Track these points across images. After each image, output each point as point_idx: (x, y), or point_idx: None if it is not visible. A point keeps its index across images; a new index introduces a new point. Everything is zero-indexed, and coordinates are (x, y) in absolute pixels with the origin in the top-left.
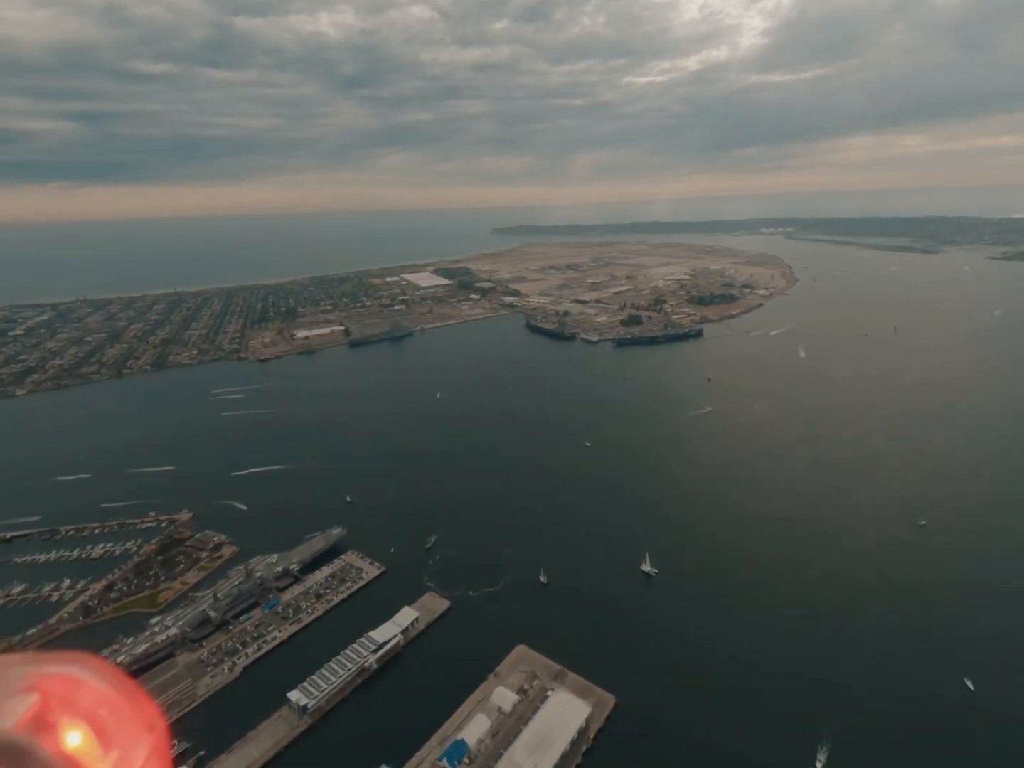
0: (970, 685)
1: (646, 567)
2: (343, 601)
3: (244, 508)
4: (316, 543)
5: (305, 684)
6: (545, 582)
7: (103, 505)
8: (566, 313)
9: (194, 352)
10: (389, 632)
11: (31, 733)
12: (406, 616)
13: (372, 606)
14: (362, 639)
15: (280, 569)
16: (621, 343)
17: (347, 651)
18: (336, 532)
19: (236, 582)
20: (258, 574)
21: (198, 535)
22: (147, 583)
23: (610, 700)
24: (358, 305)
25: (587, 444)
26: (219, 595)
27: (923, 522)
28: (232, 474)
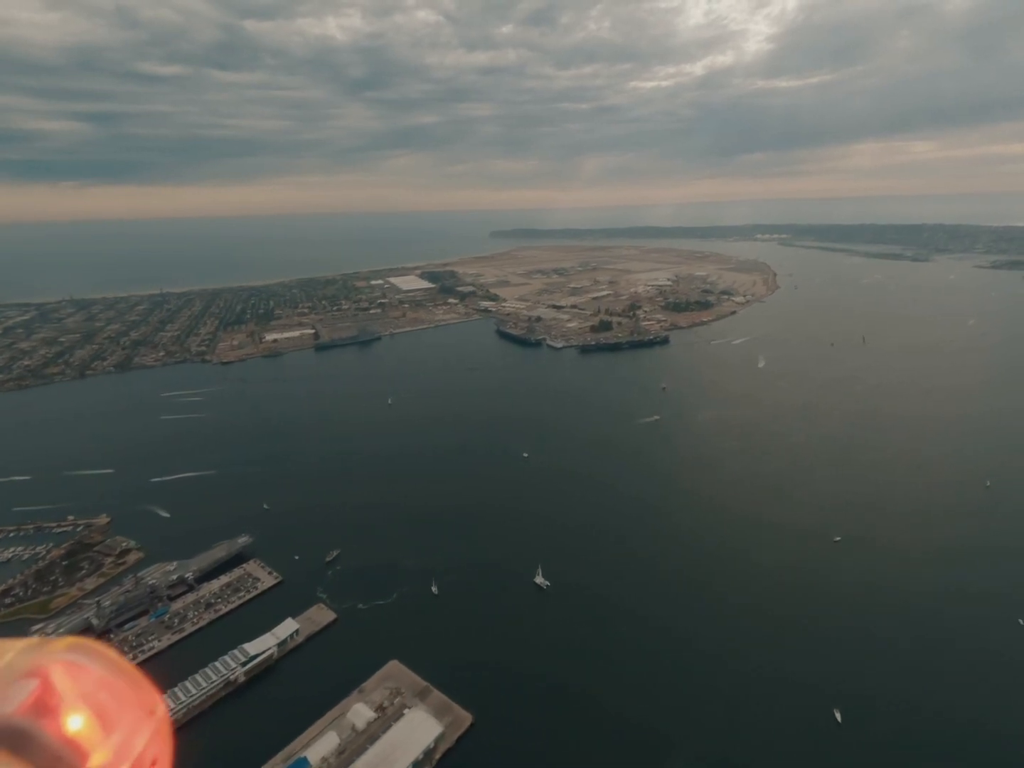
0: (838, 717)
1: (539, 579)
2: (231, 611)
3: (164, 513)
4: (218, 551)
5: (164, 696)
6: (436, 593)
7: (20, 508)
8: (538, 319)
9: (161, 353)
10: (264, 644)
11: (32, 717)
12: (286, 628)
13: (258, 617)
14: (234, 651)
15: (175, 577)
16: (585, 349)
17: (216, 663)
18: (241, 540)
19: (124, 590)
20: (151, 582)
21: (108, 540)
22: (45, 588)
23: (467, 719)
24: (335, 308)
25: (524, 455)
26: (104, 603)
27: (838, 538)
28: (160, 479)
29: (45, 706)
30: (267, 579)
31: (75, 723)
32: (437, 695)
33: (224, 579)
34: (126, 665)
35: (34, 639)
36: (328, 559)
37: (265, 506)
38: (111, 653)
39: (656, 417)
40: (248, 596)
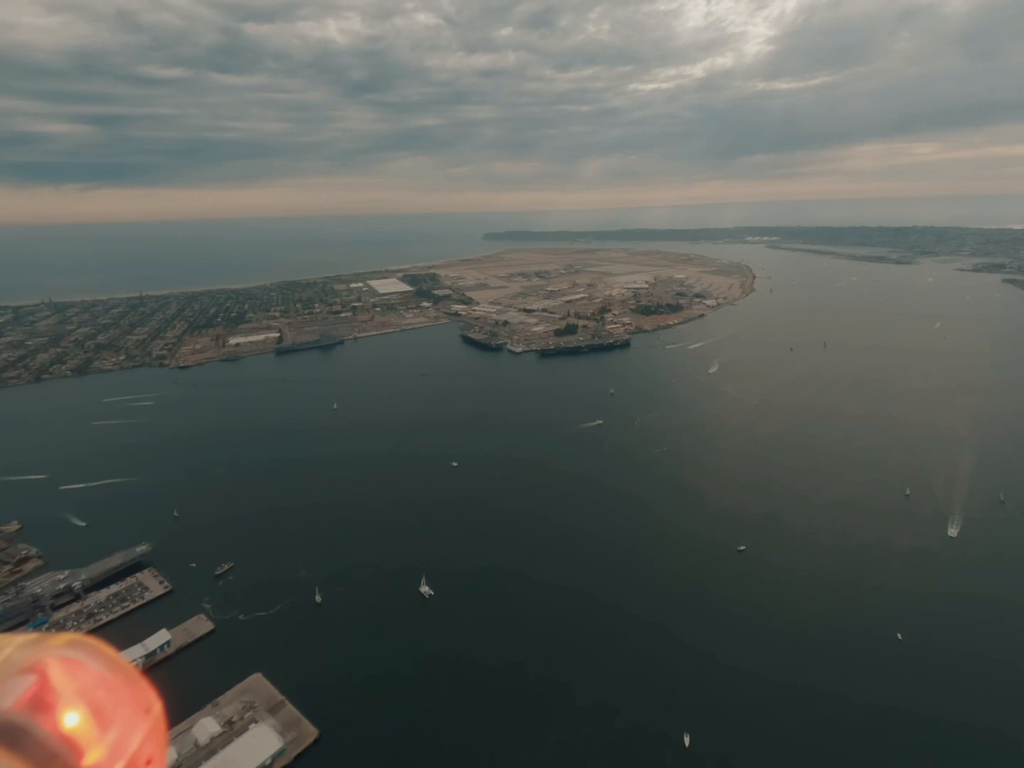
0: (686, 741)
1: (424, 588)
2: (112, 621)
3: (78, 520)
4: (114, 559)
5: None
6: (319, 602)
7: None
8: (505, 323)
9: (121, 357)
10: (130, 656)
11: (29, 713)
12: (157, 639)
13: (137, 627)
14: None
15: (63, 586)
16: (544, 354)
17: None
18: (140, 549)
19: (5, 599)
20: (36, 591)
21: (10, 548)
22: None
23: (312, 734)
24: (307, 312)
25: (454, 464)
26: None
27: (742, 547)
28: (81, 485)
29: (42, 702)
30: (157, 588)
31: (71, 720)
32: (290, 709)
33: (114, 588)
34: (124, 663)
35: (33, 635)
36: (217, 572)
37: (175, 513)
38: (109, 651)
39: (599, 422)
40: (133, 606)
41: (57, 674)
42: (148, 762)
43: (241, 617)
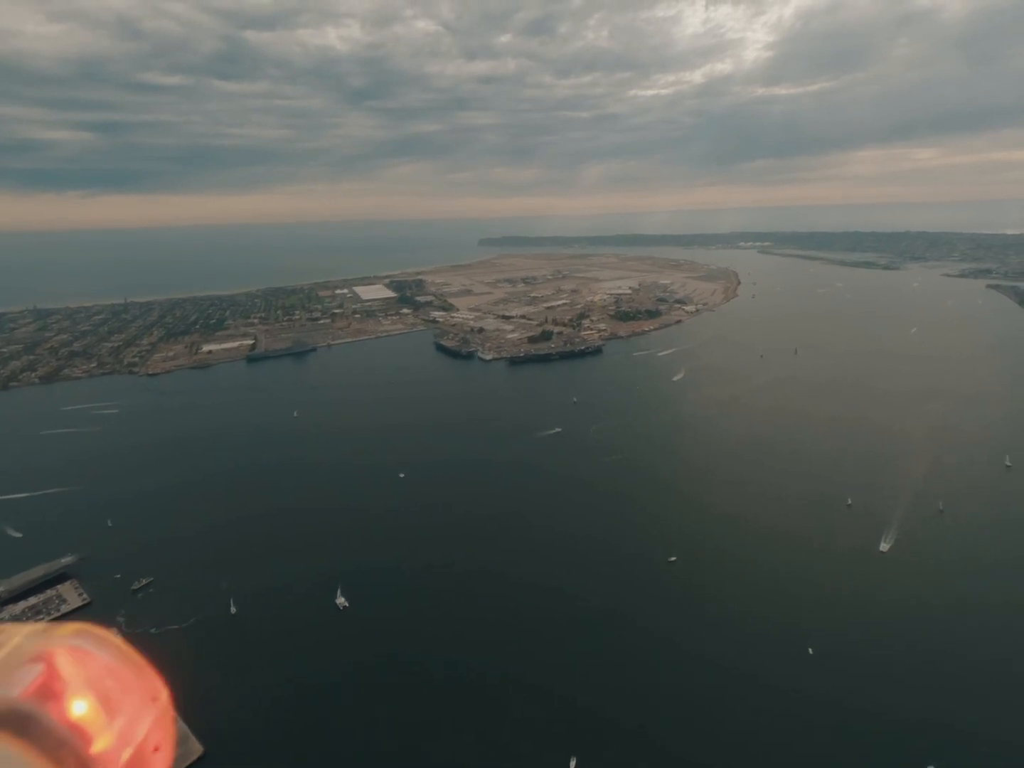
0: (572, 766)
1: (339, 600)
2: None
3: (14, 530)
4: (36, 571)
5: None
6: (234, 612)
7: None
8: (480, 330)
9: (92, 365)
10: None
11: (37, 702)
12: None
13: None
14: None
15: None
16: (514, 361)
17: None
18: (65, 560)
19: None
20: None
21: None
22: None
23: (197, 751)
24: (286, 318)
25: (401, 475)
26: None
27: (673, 558)
28: (21, 495)
29: (50, 691)
30: (75, 601)
31: (79, 708)
32: (180, 726)
33: (32, 600)
34: (131, 652)
35: (40, 624)
36: (135, 587)
37: (109, 523)
38: (117, 640)
39: (558, 430)
40: (47, 619)
41: (65, 663)
42: (156, 749)
43: (153, 631)
